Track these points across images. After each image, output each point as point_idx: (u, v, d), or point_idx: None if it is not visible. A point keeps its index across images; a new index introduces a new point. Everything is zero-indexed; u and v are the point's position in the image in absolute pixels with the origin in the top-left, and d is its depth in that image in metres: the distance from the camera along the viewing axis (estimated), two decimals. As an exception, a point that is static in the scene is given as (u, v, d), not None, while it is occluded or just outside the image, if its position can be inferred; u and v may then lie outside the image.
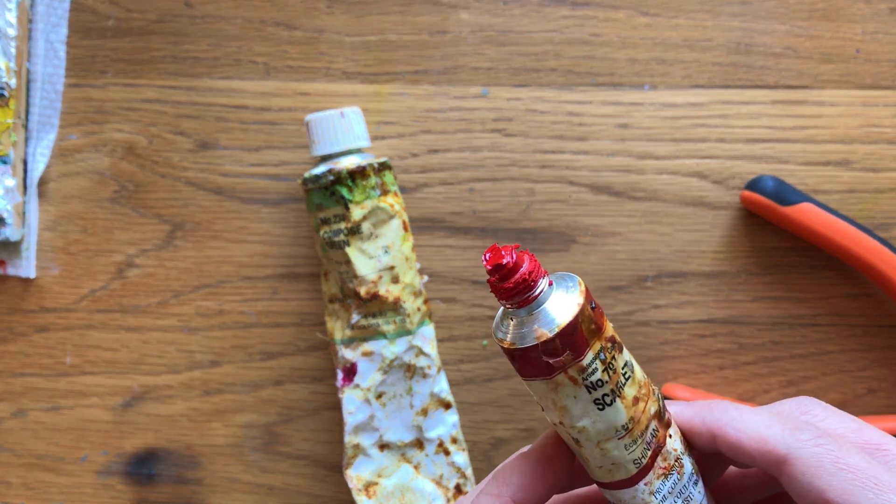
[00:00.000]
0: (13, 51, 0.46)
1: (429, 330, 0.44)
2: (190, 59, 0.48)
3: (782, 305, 0.47)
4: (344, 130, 0.44)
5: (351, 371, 0.44)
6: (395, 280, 0.43)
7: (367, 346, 0.43)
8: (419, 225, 0.48)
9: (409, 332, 0.43)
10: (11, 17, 0.46)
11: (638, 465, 0.27)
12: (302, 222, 0.48)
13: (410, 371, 0.44)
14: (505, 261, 0.25)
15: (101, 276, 0.48)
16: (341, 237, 0.43)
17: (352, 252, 0.43)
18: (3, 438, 0.48)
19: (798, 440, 0.26)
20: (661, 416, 0.28)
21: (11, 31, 0.46)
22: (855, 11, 0.47)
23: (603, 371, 0.26)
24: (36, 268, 0.48)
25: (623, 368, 0.26)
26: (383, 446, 0.44)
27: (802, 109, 0.47)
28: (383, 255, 0.43)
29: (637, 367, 0.27)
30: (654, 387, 0.28)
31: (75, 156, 0.48)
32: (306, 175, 0.44)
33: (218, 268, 0.48)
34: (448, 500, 0.44)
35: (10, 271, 0.48)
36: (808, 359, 0.47)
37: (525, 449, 0.29)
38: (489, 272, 0.25)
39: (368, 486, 0.44)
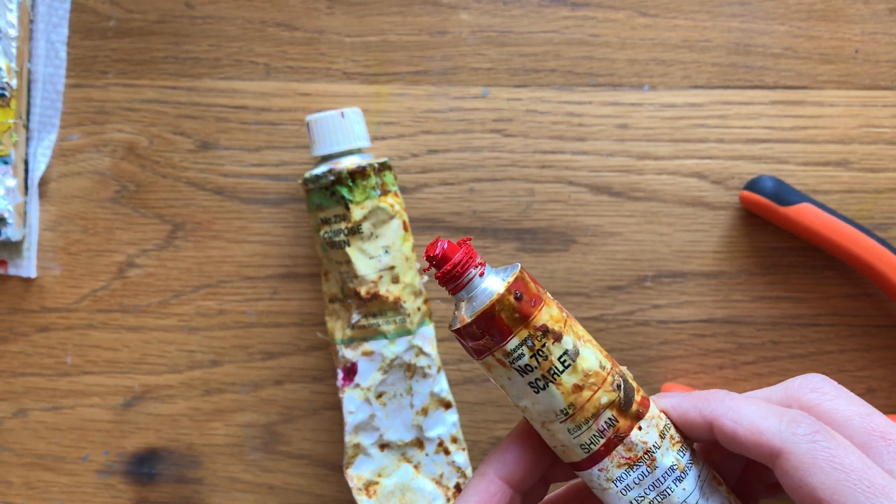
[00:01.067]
0: (14, 51, 0.46)
1: (429, 330, 0.44)
2: (190, 60, 0.48)
3: (782, 305, 0.47)
4: (344, 131, 0.44)
5: (351, 371, 0.44)
6: (396, 280, 0.43)
7: (368, 346, 0.44)
8: (419, 225, 0.48)
9: (409, 332, 0.44)
10: (12, 17, 0.46)
11: (587, 451, 0.28)
12: (302, 222, 0.48)
13: (410, 371, 0.44)
14: (435, 251, 0.28)
15: (102, 276, 0.48)
16: (341, 237, 0.43)
17: (352, 252, 0.43)
18: (5, 438, 0.48)
19: (793, 434, 0.26)
20: (622, 407, 0.28)
21: (12, 32, 0.46)
22: (854, 12, 0.48)
23: (531, 357, 0.28)
24: (37, 268, 0.48)
25: (561, 357, 0.28)
26: (383, 446, 0.44)
27: (801, 110, 0.47)
28: (383, 255, 0.43)
29: (589, 357, 0.28)
30: (618, 378, 0.29)
31: (76, 156, 0.48)
32: (306, 175, 0.44)
33: (218, 268, 0.48)
34: (448, 500, 0.44)
35: (12, 271, 0.48)
36: (807, 359, 0.47)
37: None
38: (426, 260, 0.29)
39: (369, 486, 0.44)
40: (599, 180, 0.47)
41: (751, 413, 0.27)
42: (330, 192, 0.43)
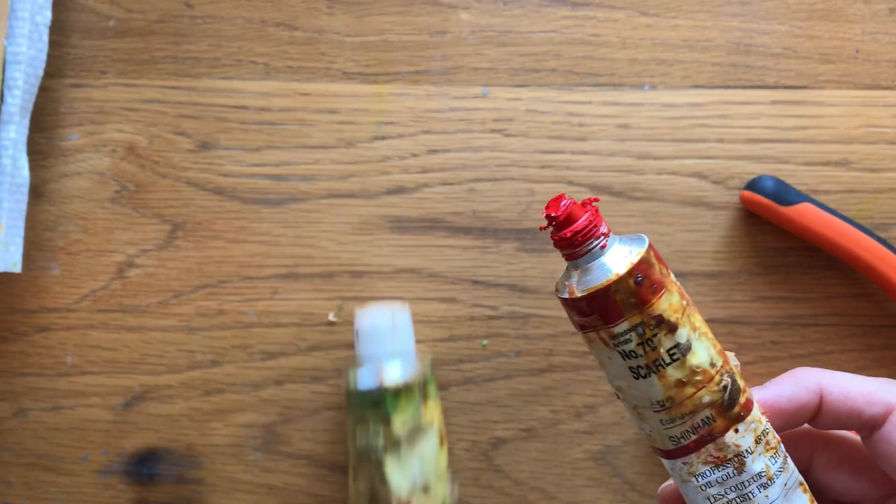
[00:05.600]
0: None
1: None
2: (190, 60, 0.48)
3: (782, 305, 0.47)
4: (392, 336, 0.43)
5: None
6: (426, 491, 0.42)
7: None
8: (419, 225, 0.48)
9: None
10: None
11: (675, 444, 0.27)
12: (302, 222, 0.48)
13: None
14: (558, 211, 0.26)
15: (102, 276, 0.48)
16: (379, 447, 0.42)
17: (388, 465, 0.42)
18: (4, 438, 0.48)
19: None
20: (722, 409, 0.27)
21: None
22: (854, 12, 0.47)
23: (638, 345, 0.26)
24: (40, 267, 0.48)
25: (671, 349, 0.26)
26: None
27: (802, 109, 0.47)
28: (418, 466, 0.42)
29: (701, 353, 0.27)
30: (726, 378, 0.27)
31: (76, 156, 0.48)
32: (351, 387, 0.43)
33: (218, 268, 0.48)
34: None
35: None
36: (807, 359, 0.47)
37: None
38: (545, 219, 0.26)
39: None
40: (600, 180, 0.47)
41: (855, 379, 0.28)
42: (374, 405, 0.42)
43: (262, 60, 0.48)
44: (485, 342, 0.47)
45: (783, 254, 0.47)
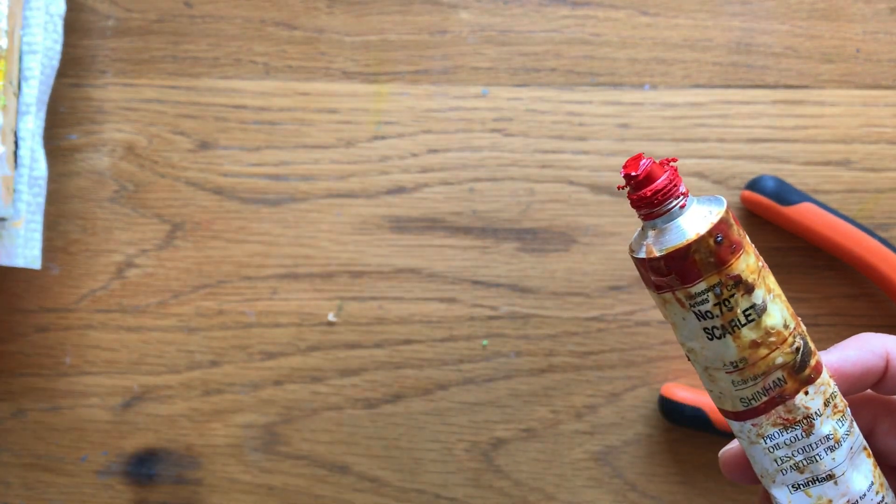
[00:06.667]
0: (5, 10, 0.44)
1: None
2: (190, 59, 0.48)
3: (782, 305, 0.47)
4: None
5: None
6: None
7: None
8: (419, 225, 0.48)
9: None
10: None
11: (745, 405, 0.28)
12: (302, 222, 0.48)
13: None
14: (637, 170, 0.26)
15: (101, 276, 0.48)
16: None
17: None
18: (3, 438, 0.48)
19: None
20: (794, 370, 0.27)
21: None
22: (855, 11, 0.47)
23: (714, 305, 0.26)
24: (43, 264, 0.48)
25: (747, 310, 0.26)
26: None
27: (803, 109, 0.47)
28: None
29: (776, 314, 0.27)
30: (799, 340, 0.27)
31: (75, 156, 0.48)
32: None
33: (218, 268, 0.48)
34: None
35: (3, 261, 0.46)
36: (808, 359, 0.47)
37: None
38: (623, 178, 0.26)
39: None
40: (600, 180, 0.47)
41: None
42: None
43: (261, 60, 0.48)
44: (485, 342, 0.47)
45: (784, 254, 0.47)
